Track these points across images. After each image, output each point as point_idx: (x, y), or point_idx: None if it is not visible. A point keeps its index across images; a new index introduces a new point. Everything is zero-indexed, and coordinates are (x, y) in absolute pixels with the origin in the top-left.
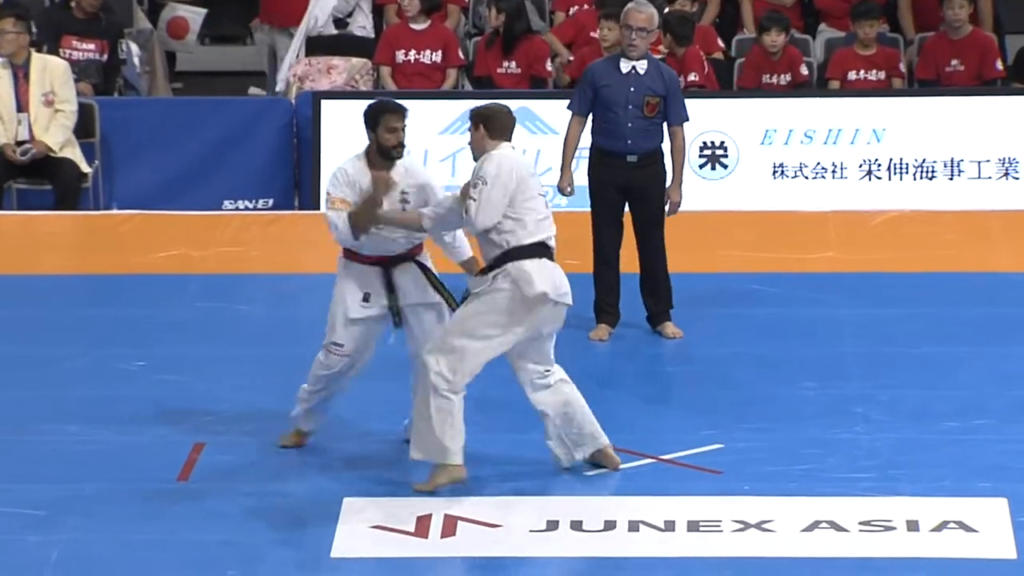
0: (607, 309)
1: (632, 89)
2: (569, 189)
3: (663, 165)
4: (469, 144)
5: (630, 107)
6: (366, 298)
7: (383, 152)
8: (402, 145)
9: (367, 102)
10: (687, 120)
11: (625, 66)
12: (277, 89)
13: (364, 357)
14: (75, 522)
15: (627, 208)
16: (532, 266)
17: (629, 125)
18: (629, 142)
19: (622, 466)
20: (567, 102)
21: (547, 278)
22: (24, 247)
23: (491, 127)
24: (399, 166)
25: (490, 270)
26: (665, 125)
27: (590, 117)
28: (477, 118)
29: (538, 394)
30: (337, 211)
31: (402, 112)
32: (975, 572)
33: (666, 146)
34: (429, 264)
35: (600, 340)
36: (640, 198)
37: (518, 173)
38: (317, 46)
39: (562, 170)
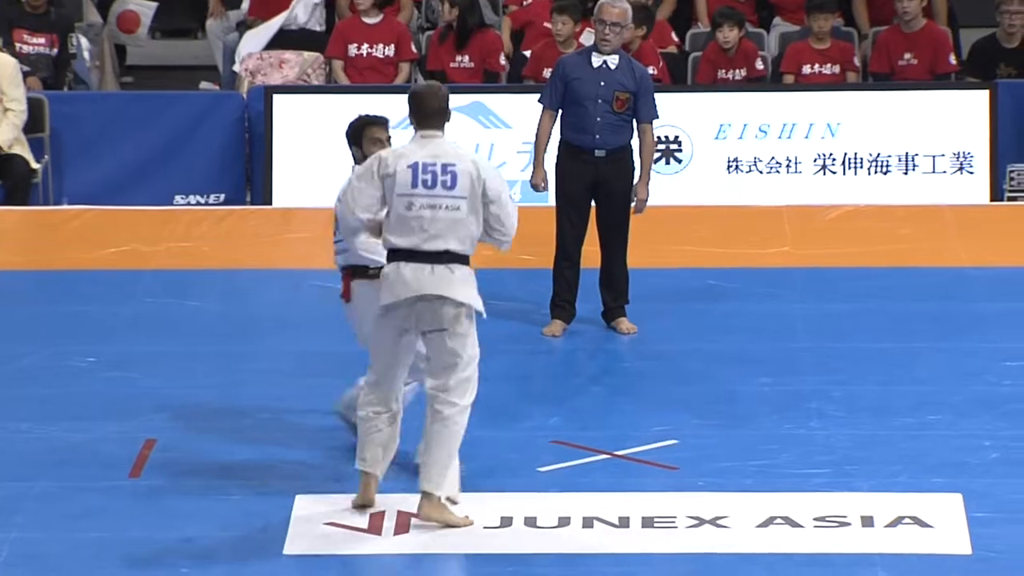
0: (563, 305)
1: (602, 84)
2: (543, 184)
3: (631, 162)
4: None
5: (600, 102)
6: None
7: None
8: None
9: (319, 96)
10: (657, 118)
11: (596, 60)
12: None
13: None
14: (24, 520)
15: (593, 204)
16: None
17: (598, 120)
18: (597, 137)
19: (578, 461)
20: (520, 97)
21: None
22: None
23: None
24: None
25: None
26: (635, 122)
27: (562, 111)
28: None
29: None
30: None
31: (384, 123)
32: (930, 567)
33: (636, 143)
34: None
35: (554, 336)
36: (607, 194)
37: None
38: (270, 41)
39: (535, 165)
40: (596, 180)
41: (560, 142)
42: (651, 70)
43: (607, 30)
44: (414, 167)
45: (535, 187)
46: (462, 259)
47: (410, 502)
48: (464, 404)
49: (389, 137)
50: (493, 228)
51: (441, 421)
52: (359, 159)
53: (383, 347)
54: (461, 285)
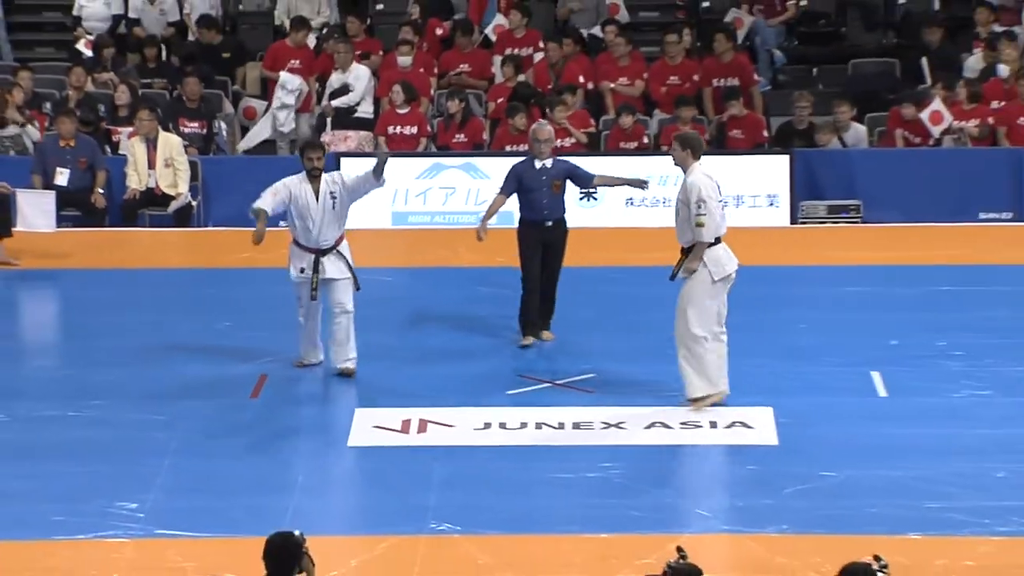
0: (533, 325)
1: (544, 178)
2: (484, 235)
3: (567, 226)
4: (675, 161)
5: (544, 189)
6: (301, 270)
7: (308, 172)
8: (317, 168)
9: (368, 158)
10: (594, 177)
11: (538, 164)
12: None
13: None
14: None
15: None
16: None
17: (544, 201)
18: (546, 212)
19: (534, 388)
20: (496, 159)
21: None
22: (152, 253)
23: (694, 148)
24: (325, 180)
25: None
26: (582, 189)
27: (517, 197)
28: (683, 141)
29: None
30: (262, 199)
31: (320, 146)
32: (752, 452)
33: (573, 214)
34: (347, 253)
35: (525, 346)
36: (551, 248)
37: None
38: (338, 124)
39: (482, 222)
40: (544, 240)
41: (520, 219)
42: (583, 131)
43: (541, 145)
44: None
45: (478, 237)
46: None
47: (427, 413)
48: None
49: (320, 156)
50: None
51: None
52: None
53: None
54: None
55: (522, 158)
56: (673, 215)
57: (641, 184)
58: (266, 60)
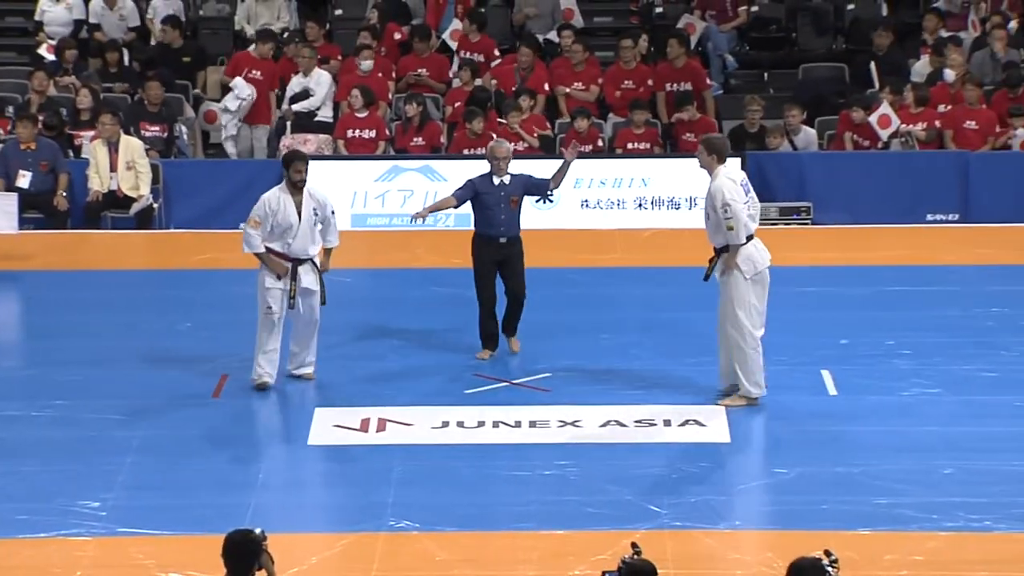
0: (491, 339)
1: (502, 194)
2: (420, 218)
3: (522, 243)
4: (700, 165)
5: (501, 205)
6: (278, 277)
7: (293, 184)
8: (303, 180)
9: (329, 161)
10: (548, 181)
11: (496, 180)
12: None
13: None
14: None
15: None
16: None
17: (502, 217)
18: (502, 228)
19: (491, 387)
20: (453, 162)
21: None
22: (114, 255)
23: (720, 152)
24: (307, 193)
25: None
26: (541, 198)
27: (473, 212)
28: (709, 146)
29: None
30: (253, 227)
31: (305, 159)
32: (705, 449)
33: (529, 216)
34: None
35: (483, 360)
36: (509, 264)
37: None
38: (297, 128)
39: (425, 208)
40: (501, 257)
41: (475, 235)
42: (537, 134)
43: (499, 163)
44: None
45: (414, 217)
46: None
47: (385, 412)
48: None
49: (306, 168)
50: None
51: None
52: (286, 178)
53: None
54: None
55: (482, 172)
56: (703, 219)
57: (567, 163)
58: (228, 67)
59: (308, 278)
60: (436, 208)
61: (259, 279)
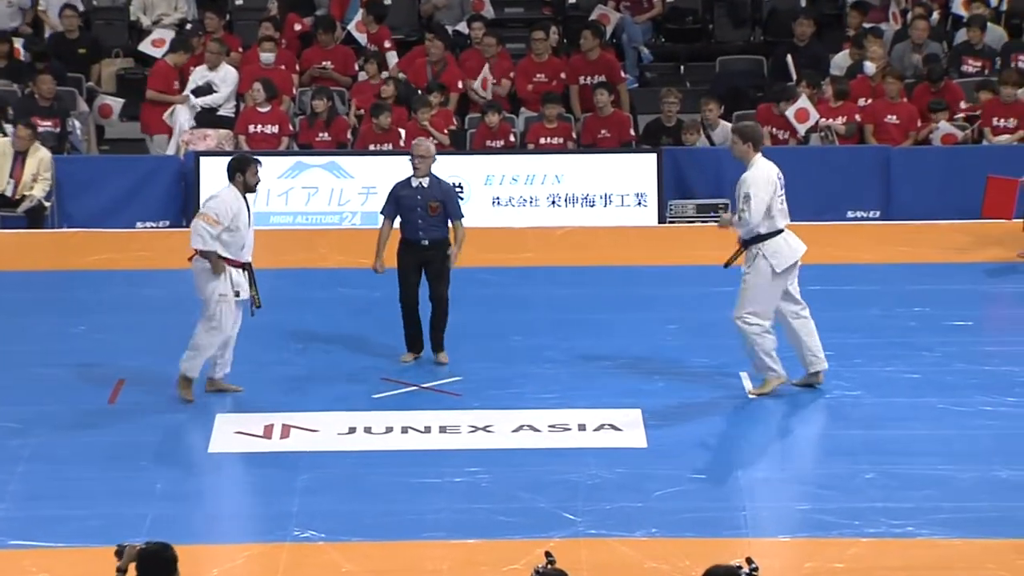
0: (414, 342)
1: (419, 197)
2: (380, 269)
3: (448, 247)
4: (734, 155)
5: (419, 209)
6: (237, 294)
7: (249, 188)
8: (259, 182)
9: (228, 157)
10: (462, 216)
11: (415, 182)
12: (168, 152)
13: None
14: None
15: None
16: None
17: (420, 222)
18: (421, 232)
19: (399, 391)
20: (359, 158)
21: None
22: (3, 255)
23: (755, 141)
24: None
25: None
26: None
27: (398, 217)
28: (743, 135)
29: (795, 321)
30: (210, 225)
31: (259, 161)
32: (621, 455)
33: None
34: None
35: (407, 363)
36: (430, 268)
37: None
38: (197, 122)
39: (376, 257)
40: (422, 260)
41: (400, 239)
42: (447, 130)
43: (418, 161)
44: None
45: (375, 271)
46: None
47: (290, 418)
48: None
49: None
50: None
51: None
52: (240, 182)
53: None
54: None
55: (403, 178)
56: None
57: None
58: (152, 80)
59: (245, 283)
60: (381, 244)
61: (206, 286)
